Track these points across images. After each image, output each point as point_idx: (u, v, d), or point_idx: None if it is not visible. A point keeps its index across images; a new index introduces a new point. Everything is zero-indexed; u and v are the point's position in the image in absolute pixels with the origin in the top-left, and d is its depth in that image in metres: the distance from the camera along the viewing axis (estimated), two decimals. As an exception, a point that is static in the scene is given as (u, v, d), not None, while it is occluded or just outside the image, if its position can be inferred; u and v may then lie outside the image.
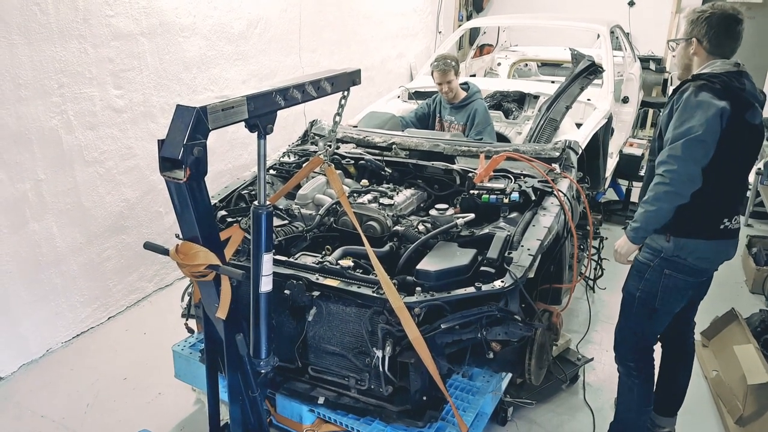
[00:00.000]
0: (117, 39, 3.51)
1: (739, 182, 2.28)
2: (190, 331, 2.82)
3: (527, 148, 3.09)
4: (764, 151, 4.82)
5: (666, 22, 7.76)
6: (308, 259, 2.44)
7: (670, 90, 6.45)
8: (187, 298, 2.80)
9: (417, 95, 4.64)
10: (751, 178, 4.88)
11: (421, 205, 2.97)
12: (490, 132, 3.86)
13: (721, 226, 2.21)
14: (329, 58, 5.62)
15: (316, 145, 3.44)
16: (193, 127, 1.56)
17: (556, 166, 2.94)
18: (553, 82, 5.18)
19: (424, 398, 2.26)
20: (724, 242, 2.25)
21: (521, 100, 4.85)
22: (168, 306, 3.86)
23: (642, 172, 4.72)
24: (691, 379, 2.71)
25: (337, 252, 2.49)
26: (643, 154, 4.95)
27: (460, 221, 2.54)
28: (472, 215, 2.62)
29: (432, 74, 3.93)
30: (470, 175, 2.85)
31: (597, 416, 2.90)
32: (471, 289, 2.14)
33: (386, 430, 2.24)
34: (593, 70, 3.79)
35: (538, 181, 2.77)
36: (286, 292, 2.28)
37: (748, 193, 5.03)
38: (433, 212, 2.70)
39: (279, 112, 1.85)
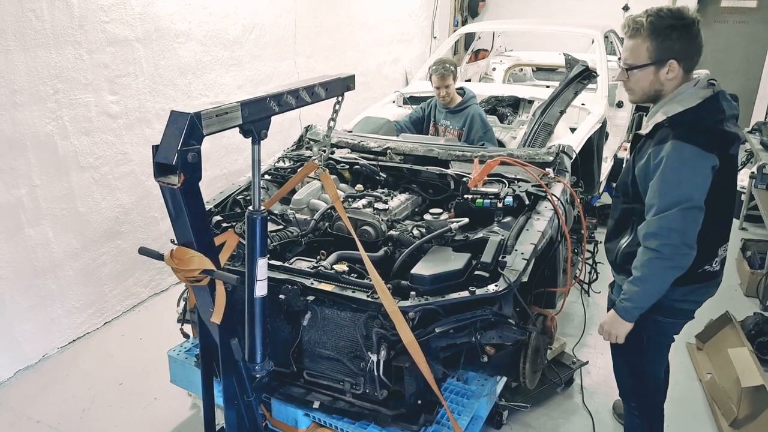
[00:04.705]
0: (112, 45, 3.52)
1: (723, 222, 2.06)
2: (186, 336, 2.82)
3: (521, 153, 3.10)
4: (758, 155, 4.84)
5: (660, 27, 7.76)
6: (303, 264, 2.44)
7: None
8: (182, 303, 2.80)
9: (412, 100, 4.65)
10: (745, 182, 4.90)
11: (416, 209, 2.98)
12: (491, 138, 3.88)
13: (699, 270, 2.00)
14: (324, 64, 5.64)
15: (311, 150, 3.45)
16: (187, 133, 1.57)
17: (549, 170, 2.95)
18: (547, 86, 5.20)
19: (419, 402, 2.26)
20: (709, 284, 2.09)
21: (516, 104, 4.87)
22: (164, 311, 3.85)
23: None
24: (685, 382, 2.72)
25: (332, 257, 2.50)
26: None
27: (454, 226, 2.54)
28: (466, 219, 2.62)
29: (430, 78, 3.96)
30: (464, 179, 2.86)
31: (595, 419, 2.91)
32: (465, 293, 2.15)
33: (381, 434, 2.24)
34: (587, 75, 3.81)
35: (532, 186, 2.78)
36: (281, 296, 2.28)
37: (743, 197, 5.05)
38: (427, 217, 2.70)
39: (274, 117, 1.86)
